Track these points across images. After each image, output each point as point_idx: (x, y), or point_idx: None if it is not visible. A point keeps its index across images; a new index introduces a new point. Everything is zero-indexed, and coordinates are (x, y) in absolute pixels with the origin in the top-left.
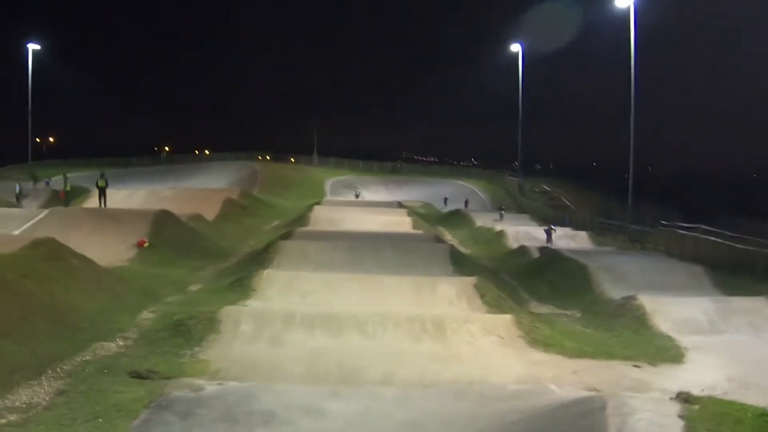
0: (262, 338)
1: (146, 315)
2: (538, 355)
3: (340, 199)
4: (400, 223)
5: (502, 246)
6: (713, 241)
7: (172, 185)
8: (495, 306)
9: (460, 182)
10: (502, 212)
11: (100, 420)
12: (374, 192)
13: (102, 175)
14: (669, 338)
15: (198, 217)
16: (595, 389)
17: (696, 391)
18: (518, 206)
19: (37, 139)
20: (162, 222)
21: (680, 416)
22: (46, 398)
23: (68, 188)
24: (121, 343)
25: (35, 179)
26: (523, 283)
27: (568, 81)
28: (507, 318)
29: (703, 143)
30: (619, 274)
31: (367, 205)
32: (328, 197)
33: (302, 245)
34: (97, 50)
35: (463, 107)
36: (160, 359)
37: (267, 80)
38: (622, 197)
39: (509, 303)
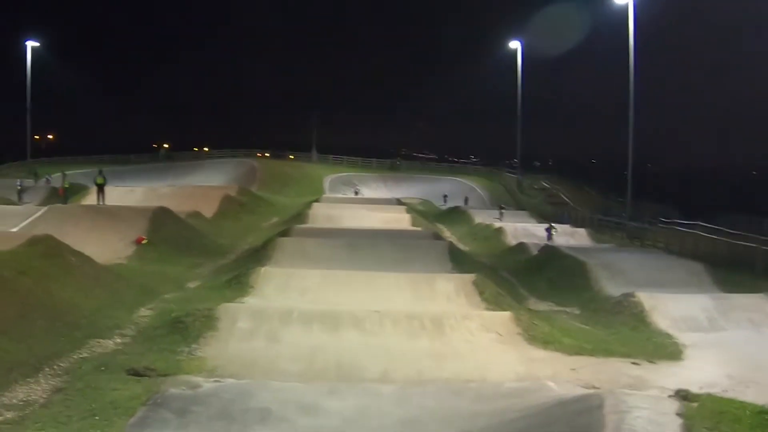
0: (260, 335)
1: (144, 312)
2: (537, 353)
3: (339, 196)
4: (399, 220)
5: (501, 243)
6: (713, 238)
7: (171, 182)
8: (494, 303)
9: (459, 179)
10: (503, 211)
11: (97, 417)
12: (373, 189)
13: (100, 172)
14: (668, 335)
15: (196, 215)
16: (593, 386)
17: (695, 389)
18: (517, 203)
19: (36, 137)
20: (160, 219)
21: (678, 414)
22: (43, 396)
23: (67, 185)
24: (118, 340)
25: (36, 176)
26: (522, 280)
27: (568, 79)
28: (505, 315)
29: (703, 141)
30: (617, 271)
31: (365, 202)
32: (327, 194)
33: (301, 242)
34: (97, 48)
35: (463, 105)
36: (158, 356)
37: (266, 78)
38: (621, 194)
39: (508, 300)
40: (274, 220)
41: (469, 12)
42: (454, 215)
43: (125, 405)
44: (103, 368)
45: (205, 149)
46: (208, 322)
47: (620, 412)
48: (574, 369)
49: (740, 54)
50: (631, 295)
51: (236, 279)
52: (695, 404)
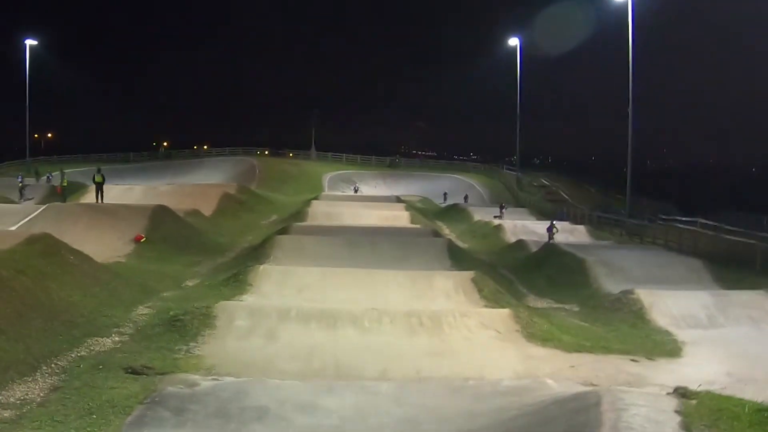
0: (258, 334)
1: (142, 311)
2: (536, 350)
3: (338, 193)
4: (398, 217)
5: (500, 240)
6: (712, 234)
7: (170, 181)
8: (492, 300)
9: (458, 177)
10: (503, 210)
11: (94, 416)
12: (372, 187)
13: (99, 171)
14: (667, 332)
15: (195, 213)
16: (592, 384)
17: (693, 386)
18: (516, 200)
19: (35, 136)
20: (159, 217)
21: (677, 411)
22: (41, 394)
23: (65, 183)
24: (116, 338)
25: (37, 175)
26: (521, 278)
27: (567, 77)
28: (504, 312)
29: (703, 138)
30: (617, 268)
31: (364, 199)
32: (326, 192)
33: (299, 240)
34: (96, 47)
35: (463, 103)
36: (155, 355)
37: (266, 76)
38: (620, 191)
39: (507, 297)
40: (274, 218)
41: (469, 11)
42: (454, 213)
43: (123, 403)
44: (100, 367)
45: (205, 147)
46: (206, 320)
47: (618, 409)
48: (573, 366)
49: (740, 52)
50: (630, 292)
51: (235, 277)
52: (694, 401)
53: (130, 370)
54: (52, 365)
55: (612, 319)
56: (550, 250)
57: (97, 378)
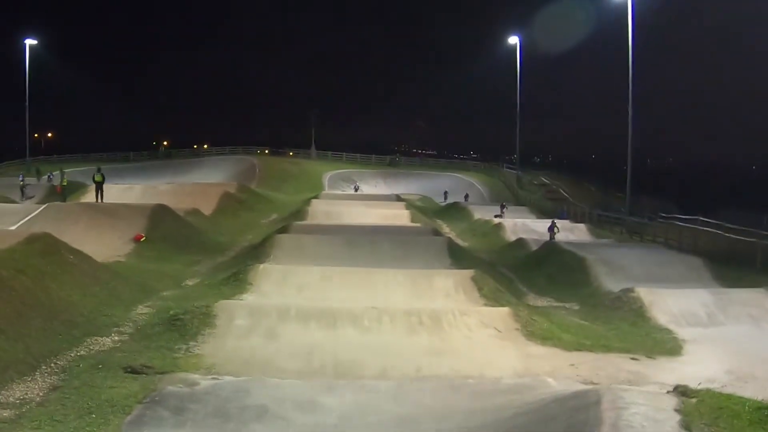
0: (258, 333)
1: (142, 310)
2: (536, 348)
3: (338, 192)
4: (398, 216)
5: (500, 239)
6: (712, 232)
7: (170, 180)
8: (492, 299)
9: (458, 175)
10: (504, 209)
11: (94, 416)
12: (372, 186)
13: (98, 170)
14: (667, 330)
15: (195, 212)
16: (592, 382)
17: (694, 384)
18: (516, 199)
19: (36, 135)
20: (159, 216)
21: (677, 410)
22: (40, 394)
23: (65, 183)
24: (116, 338)
25: (38, 174)
26: (521, 276)
27: (568, 76)
28: (504, 311)
29: (703, 137)
30: (617, 266)
31: (364, 198)
32: (326, 191)
33: (299, 239)
34: (96, 46)
35: (463, 102)
36: (155, 354)
37: (266, 75)
38: (620, 190)
39: (507, 296)
40: (273, 217)
41: (469, 9)
42: (454, 211)
43: (122, 403)
44: (100, 366)
45: (205, 146)
46: (205, 319)
47: (618, 408)
48: (573, 365)
49: (740, 51)
50: (631, 290)
51: (234, 276)
52: (694, 400)
53: (129, 370)
54: (52, 365)
55: (612, 318)
56: (550, 249)
57: (96, 377)
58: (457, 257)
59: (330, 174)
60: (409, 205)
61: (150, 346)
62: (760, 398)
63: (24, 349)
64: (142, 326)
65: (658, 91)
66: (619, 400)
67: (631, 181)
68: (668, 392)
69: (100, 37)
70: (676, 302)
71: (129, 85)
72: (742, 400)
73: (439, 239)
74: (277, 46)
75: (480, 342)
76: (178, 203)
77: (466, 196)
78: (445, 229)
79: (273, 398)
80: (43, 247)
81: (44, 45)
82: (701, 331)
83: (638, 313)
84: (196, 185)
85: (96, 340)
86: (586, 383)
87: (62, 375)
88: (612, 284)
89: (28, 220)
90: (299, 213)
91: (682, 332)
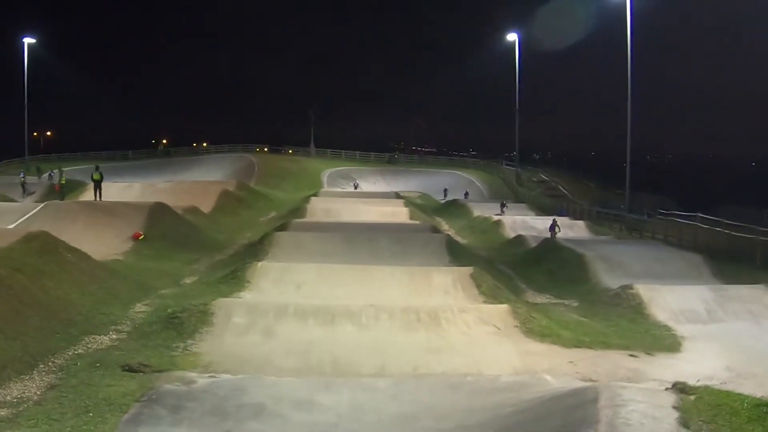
0: (255, 330)
1: (140, 308)
2: (534, 345)
3: (338, 190)
4: (397, 213)
5: (500, 236)
6: (712, 229)
7: (169, 178)
8: (491, 296)
9: (458, 172)
10: (504, 208)
11: (91, 414)
12: (371, 183)
13: (97, 168)
14: (666, 327)
15: (194, 210)
16: (590, 379)
17: (693, 381)
18: (516, 196)
19: (35, 134)
20: (157, 215)
21: (675, 407)
22: (38, 393)
23: (63, 181)
24: (114, 336)
25: (39, 172)
26: (520, 273)
27: (567, 73)
28: (503, 308)
29: (703, 134)
30: (616, 263)
31: (364, 196)
32: (325, 188)
33: (297, 237)
34: (95, 45)
35: (462, 99)
36: (153, 352)
37: (265, 73)
38: (620, 187)
39: (505, 293)
40: (272, 214)
41: (468, 6)
42: (453, 209)
43: (119, 401)
44: (97, 365)
45: (204, 145)
46: (203, 317)
47: (615, 405)
48: (571, 362)
49: (740, 49)
50: (630, 287)
51: (232, 274)
52: (692, 397)
53: (127, 368)
54: (50, 363)
55: (611, 314)
56: (549, 246)
57: (94, 376)
58: (456, 254)
59: (329, 172)
60: (408, 202)
61: (147, 344)
62: (759, 395)
63: (22, 347)
64: (139, 325)
65: (659, 89)
66: (617, 397)
67: (631, 178)
68: (667, 389)
69: (100, 35)
70: (675, 299)
71: (128, 83)
72: (740, 397)
73: (438, 236)
74: (276, 45)
75: (478, 339)
76: (177, 201)
77: (466, 194)
78: (444, 226)
79: (270, 396)
80: (41, 246)
81: (43, 44)
82: (700, 327)
83: (637, 310)
84: (195, 183)
85: (94, 338)
86: (584, 380)
87: (60, 373)
88: (611, 281)
89: (27, 218)
90: (298, 211)
91: (681, 329)
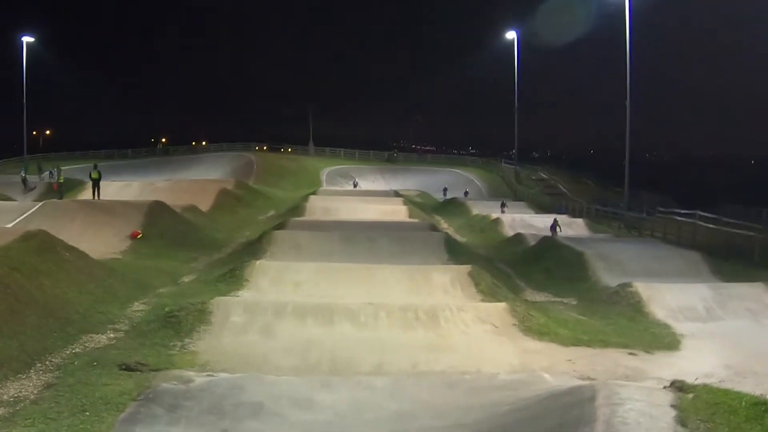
0: (253, 329)
1: (138, 307)
2: (533, 344)
3: (337, 188)
4: (396, 212)
5: (498, 234)
6: (711, 227)
7: (168, 177)
8: (490, 294)
9: (457, 171)
10: (505, 208)
11: (87, 413)
12: (371, 181)
13: (95, 167)
14: (665, 325)
15: (192, 209)
16: (588, 378)
17: (691, 379)
18: (515, 194)
19: (34, 132)
20: (156, 213)
21: (672, 406)
22: (34, 392)
23: (62, 180)
24: (111, 335)
25: (40, 170)
26: (519, 271)
27: (567, 71)
28: (501, 306)
29: (702, 132)
30: (615, 261)
31: (362, 194)
32: (324, 187)
33: (296, 235)
34: (94, 43)
35: (461, 97)
36: (150, 351)
37: (264, 71)
38: (619, 185)
39: (504, 291)
40: (271, 213)
41: (468, 4)
42: (452, 207)
43: (116, 400)
44: (95, 363)
45: (203, 143)
46: (201, 316)
47: (613, 404)
48: (570, 360)
49: (740, 47)
50: (629, 285)
51: (231, 273)
52: (690, 395)
53: (124, 367)
54: (47, 362)
55: (610, 313)
56: (548, 244)
57: (90, 375)
58: (455, 253)
59: (328, 170)
60: (407, 201)
61: (145, 343)
62: (758, 393)
63: (18, 346)
64: (137, 323)
65: (658, 85)
66: (615, 396)
67: (630, 177)
68: (665, 388)
69: (99, 34)
70: (674, 297)
71: (127, 82)
72: (739, 396)
73: (437, 235)
74: (275, 42)
75: (477, 337)
76: (176, 200)
77: (466, 193)
78: (443, 224)
79: (268, 395)
80: (39, 245)
81: (42, 42)
82: (699, 325)
83: (636, 308)
84: (193, 182)
85: (91, 337)
86: (582, 379)
87: (57, 372)
88: (610, 279)
89: (25, 217)
90: (297, 209)
91: (680, 327)
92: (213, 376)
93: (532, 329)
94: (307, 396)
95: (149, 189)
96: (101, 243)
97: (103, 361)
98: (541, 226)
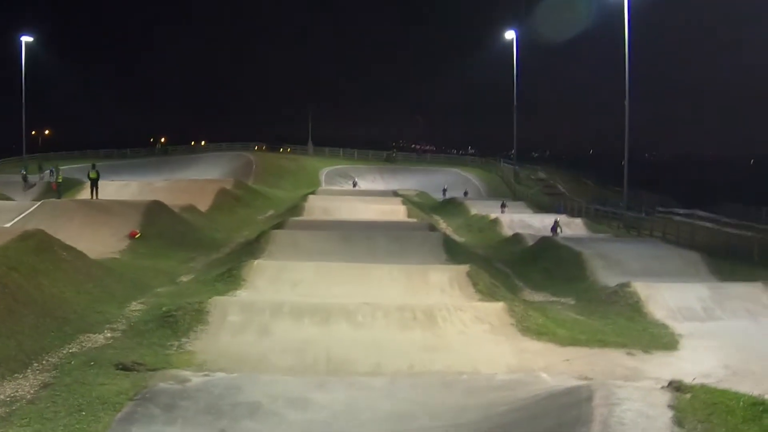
0: (251, 329)
1: (135, 306)
2: (530, 344)
3: (336, 188)
4: (395, 211)
5: (497, 234)
6: (709, 227)
7: (167, 177)
8: (488, 294)
9: (456, 170)
10: (505, 208)
11: (84, 413)
12: (370, 181)
13: (93, 167)
14: (663, 325)
15: (191, 208)
16: (586, 378)
17: (690, 379)
18: (514, 194)
19: (33, 132)
20: (154, 213)
21: (670, 406)
22: (31, 391)
23: (60, 179)
24: (108, 335)
25: (40, 169)
26: (517, 271)
27: (566, 71)
28: (499, 306)
29: (702, 131)
30: (613, 261)
31: (361, 194)
32: (323, 187)
33: (294, 235)
34: (93, 42)
35: (461, 97)
36: (147, 351)
37: (263, 71)
38: (618, 184)
39: (502, 291)
40: (270, 213)
41: (468, 3)
42: (450, 207)
43: (113, 400)
44: (91, 363)
45: (202, 143)
46: (198, 315)
47: (610, 404)
48: (567, 360)
49: (740, 46)
50: (627, 284)
51: (229, 272)
52: (688, 395)
53: (121, 367)
54: (44, 362)
55: (608, 312)
56: (546, 244)
57: (87, 374)
58: (453, 252)
59: (327, 170)
60: (406, 200)
61: (142, 342)
62: (756, 393)
63: (16, 346)
64: (134, 323)
65: (658, 86)
66: (612, 396)
67: (629, 176)
68: (662, 388)
69: (98, 33)
70: (673, 297)
71: (126, 82)
72: (737, 396)
73: (435, 235)
74: (274, 43)
75: (474, 337)
76: (174, 200)
77: (465, 193)
78: (442, 224)
79: (265, 395)
80: (37, 244)
81: (41, 42)
82: (698, 325)
83: (634, 308)
84: (192, 182)
85: (88, 337)
86: (580, 379)
87: (54, 372)
88: (608, 279)
89: (23, 217)
90: (296, 209)
91: (678, 327)
92: (210, 375)
93: (530, 329)
94: (304, 396)
95: (148, 189)
96: (99, 243)
97: (100, 361)
98: (540, 226)
